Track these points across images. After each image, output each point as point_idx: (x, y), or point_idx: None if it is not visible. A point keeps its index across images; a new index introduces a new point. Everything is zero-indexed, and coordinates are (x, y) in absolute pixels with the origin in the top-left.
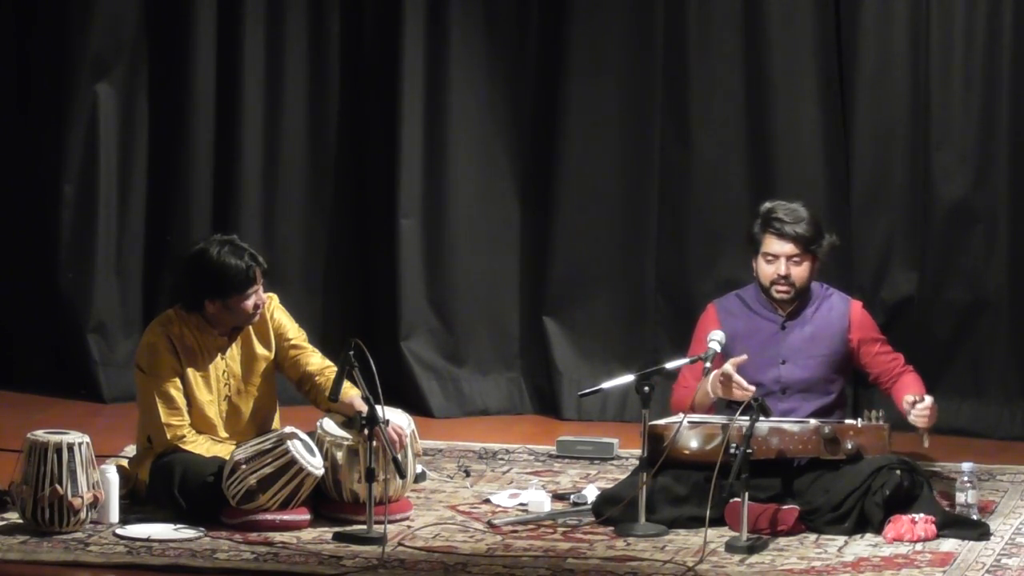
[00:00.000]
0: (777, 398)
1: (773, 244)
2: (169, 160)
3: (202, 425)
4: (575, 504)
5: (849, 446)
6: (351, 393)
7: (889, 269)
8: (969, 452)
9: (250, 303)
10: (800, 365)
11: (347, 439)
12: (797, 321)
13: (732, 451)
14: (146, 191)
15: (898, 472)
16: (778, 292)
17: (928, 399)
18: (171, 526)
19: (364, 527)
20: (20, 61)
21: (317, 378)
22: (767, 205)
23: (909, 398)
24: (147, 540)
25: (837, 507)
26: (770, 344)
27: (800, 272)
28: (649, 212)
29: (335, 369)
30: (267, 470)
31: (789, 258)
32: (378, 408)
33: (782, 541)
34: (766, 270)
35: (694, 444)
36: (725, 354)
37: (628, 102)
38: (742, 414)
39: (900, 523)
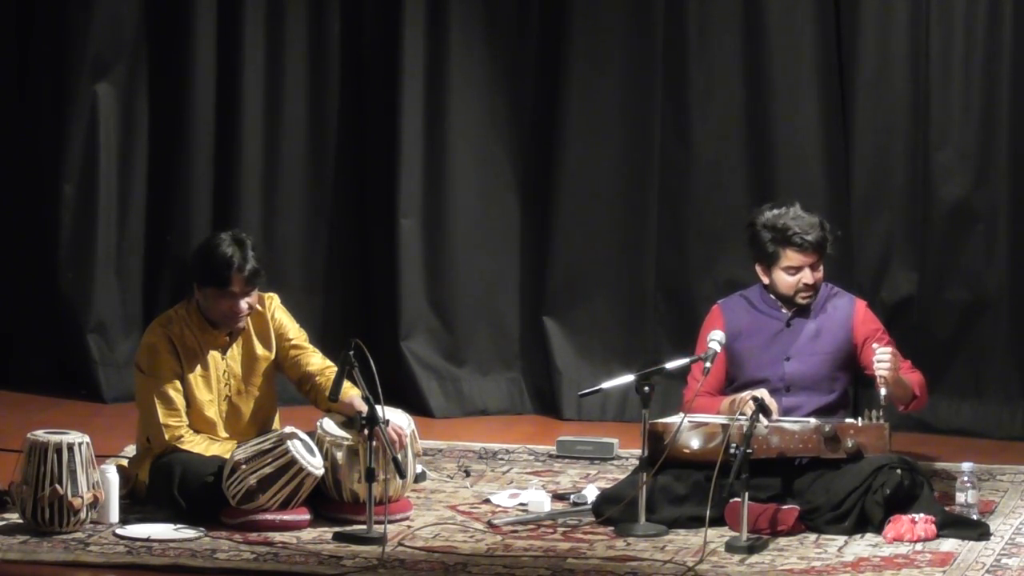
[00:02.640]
0: (781, 394)
1: (793, 258)
2: (169, 160)
3: (202, 425)
4: (575, 504)
5: (849, 444)
6: (351, 393)
7: (889, 269)
8: (969, 452)
9: (224, 304)
10: (804, 362)
11: (347, 439)
12: (802, 318)
13: (732, 451)
14: (146, 191)
15: (898, 472)
16: (803, 299)
17: (890, 348)
18: (171, 526)
19: (364, 527)
20: (20, 61)
21: (317, 378)
22: (778, 221)
23: (875, 344)
24: (147, 540)
25: (837, 506)
26: (775, 341)
27: (820, 275)
28: (649, 212)
29: (335, 369)
30: (267, 470)
31: (811, 267)
32: (378, 408)
33: (782, 541)
34: (788, 281)
35: (694, 443)
36: (729, 352)
37: (628, 102)
38: (742, 414)
39: (900, 523)
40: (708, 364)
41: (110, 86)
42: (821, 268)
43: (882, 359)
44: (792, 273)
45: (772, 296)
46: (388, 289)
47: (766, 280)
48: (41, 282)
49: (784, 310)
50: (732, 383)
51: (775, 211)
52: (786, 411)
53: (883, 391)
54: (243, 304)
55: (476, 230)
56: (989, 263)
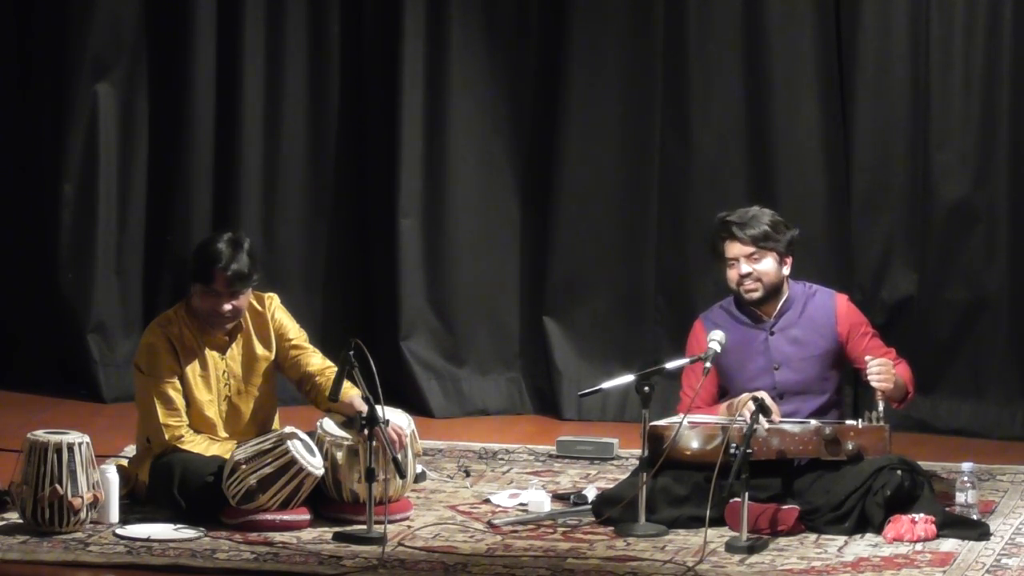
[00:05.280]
0: (775, 403)
1: (729, 248)
2: (169, 160)
3: (202, 425)
4: (575, 504)
5: (849, 447)
6: (351, 393)
7: (889, 269)
8: (969, 452)
9: (207, 302)
10: (794, 368)
11: (347, 439)
12: (784, 325)
13: (732, 451)
14: (146, 191)
15: (899, 473)
16: (747, 291)
17: (881, 359)
18: (171, 526)
19: (364, 527)
20: (20, 61)
21: (317, 378)
22: (720, 214)
23: (869, 357)
24: (147, 540)
25: (837, 507)
26: (761, 352)
27: (763, 268)
28: (649, 212)
29: (335, 369)
30: (267, 470)
31: (747, 257)
32: (378, 408)
33: (782, 541)
34: (730, 274)
35: (694, 444)
36: (718, 367)
37: (628, 102)
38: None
39: (900, 523)
40: (708, 364)
41: (110, 86)
42: (767, 263)
43: (877, 373)
44: (731, 265)
45: (744, 303)
46: (388, 289)
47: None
48: (41, 282)
49: (765, 318)
50: (724, 396)
51: (731, 211)
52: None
53: (881, 404)
54: (226, 306)
55: (476, 230)
56: (989, 263)
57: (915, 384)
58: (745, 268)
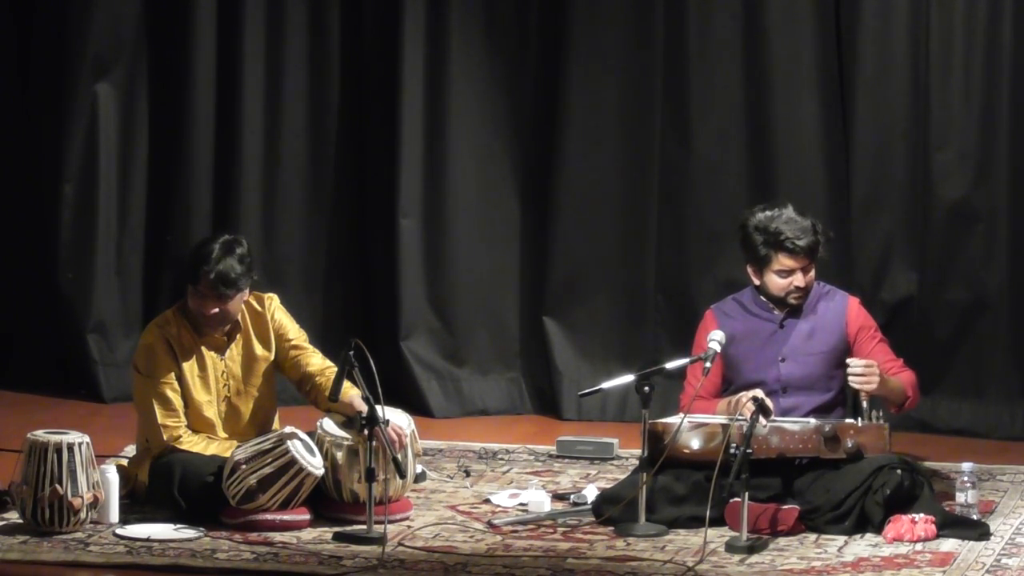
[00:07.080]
0: (778, 396)
1: (783, 261)
2: (169, 160)
3: (200, 426)
4: (575, 504)
5: (849, 445)
6: (351, 393)
7: (889, 269)
8: (969, 452)
9: (194, 302)
10: (800, 362)
11: (347, 439)
12: (795, 319)
13: (732, 451)
14: (146, 191)
15: (899, 472)
16: (795, 299)
17: (863, 360)
18: (171, 526)
19: (364, 527)
20: (20, 61)
21: (318, 378)
22: (771, 225)
23: (849, 359)
24: (147, 540)
25: (837, 506)
26: (770, 343)
27: (811, 276)
28: (649, 212)
29: (335, 369)
30: (267, 470)
31: (802, 270)
32: (378, 408)
33: (782, 541)
34: (780, 283)
35: (694, 444)
36: (725, 356)
37: (628, 102)
38: (741, 415)
39: (900, 523)
40: (708, 364)
41: (110, 86)
42: (812, 270)
43: (860, 374)
44: (784, 276)
45: (763, 298)
46: (388, 289)
47: (757, 281)
48: (41, 282)
49: (777, 311)
50: (729, 387)
51: (767, 213)
52: (784, 412)
53: (866, 403)
54: (213, 309)
55: (476, 230)
56: (989, 263)
57: (918, 390)
58: (801, 281)
